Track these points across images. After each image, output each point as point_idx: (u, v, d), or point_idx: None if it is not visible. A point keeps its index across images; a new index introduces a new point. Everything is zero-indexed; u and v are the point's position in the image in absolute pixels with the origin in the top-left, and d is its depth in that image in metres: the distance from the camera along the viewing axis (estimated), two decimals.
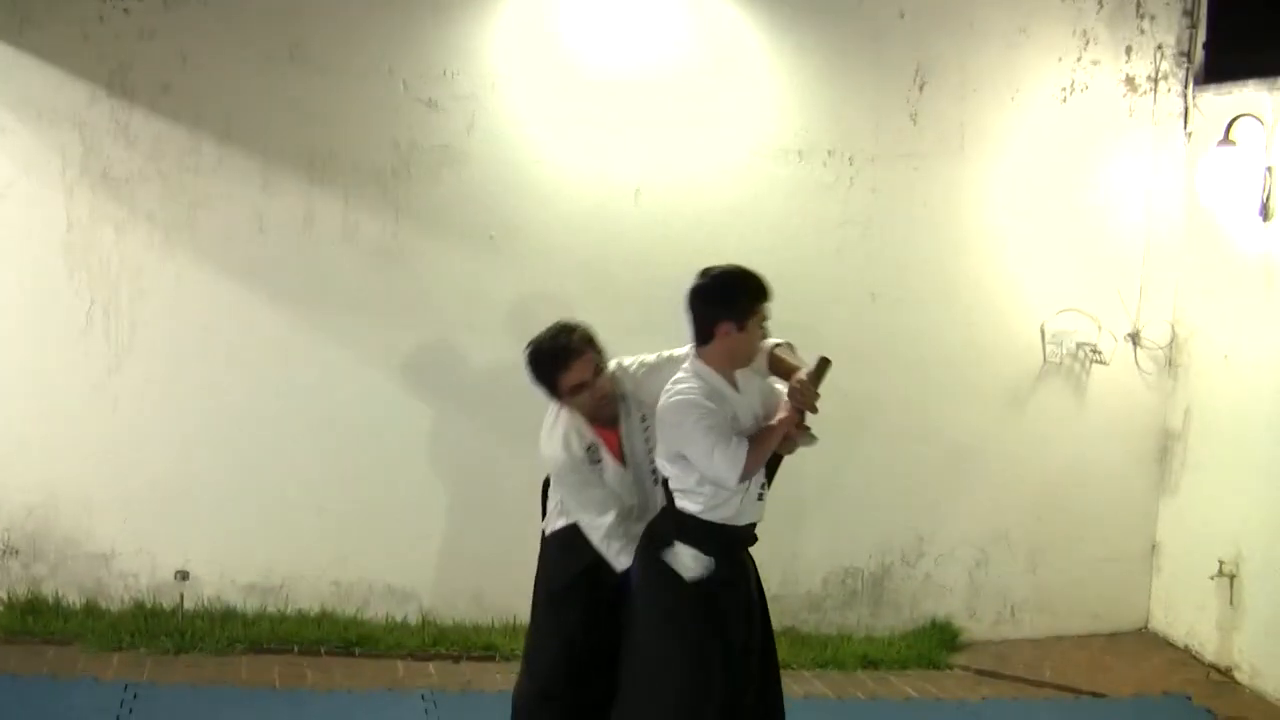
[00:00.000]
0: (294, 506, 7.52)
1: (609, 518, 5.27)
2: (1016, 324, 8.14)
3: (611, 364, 5.47)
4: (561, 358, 5.37)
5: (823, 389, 5.14)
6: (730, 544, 5.06)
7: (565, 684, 5.44)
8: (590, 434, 5.42)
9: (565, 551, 5.48)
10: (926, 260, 8.04)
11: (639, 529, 5.20)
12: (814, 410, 5.08)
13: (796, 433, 5.06)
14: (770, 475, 5.21)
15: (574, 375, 5.36)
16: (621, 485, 5.39)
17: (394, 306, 7.53)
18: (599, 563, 5.32)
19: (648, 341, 7.65)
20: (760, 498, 5.12)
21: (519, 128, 7.56)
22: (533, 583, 5.72)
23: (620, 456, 5.41)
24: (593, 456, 5.39)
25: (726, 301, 5.11)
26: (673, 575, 4.97)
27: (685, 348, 5.35)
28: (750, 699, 5.04)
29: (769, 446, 4.98)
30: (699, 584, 4.95)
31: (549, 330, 5.48)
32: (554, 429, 5.45)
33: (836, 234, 7.88)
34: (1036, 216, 8.13)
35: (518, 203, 7.60)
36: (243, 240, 7.35)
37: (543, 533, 5.68)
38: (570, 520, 5.46)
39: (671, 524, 5.01)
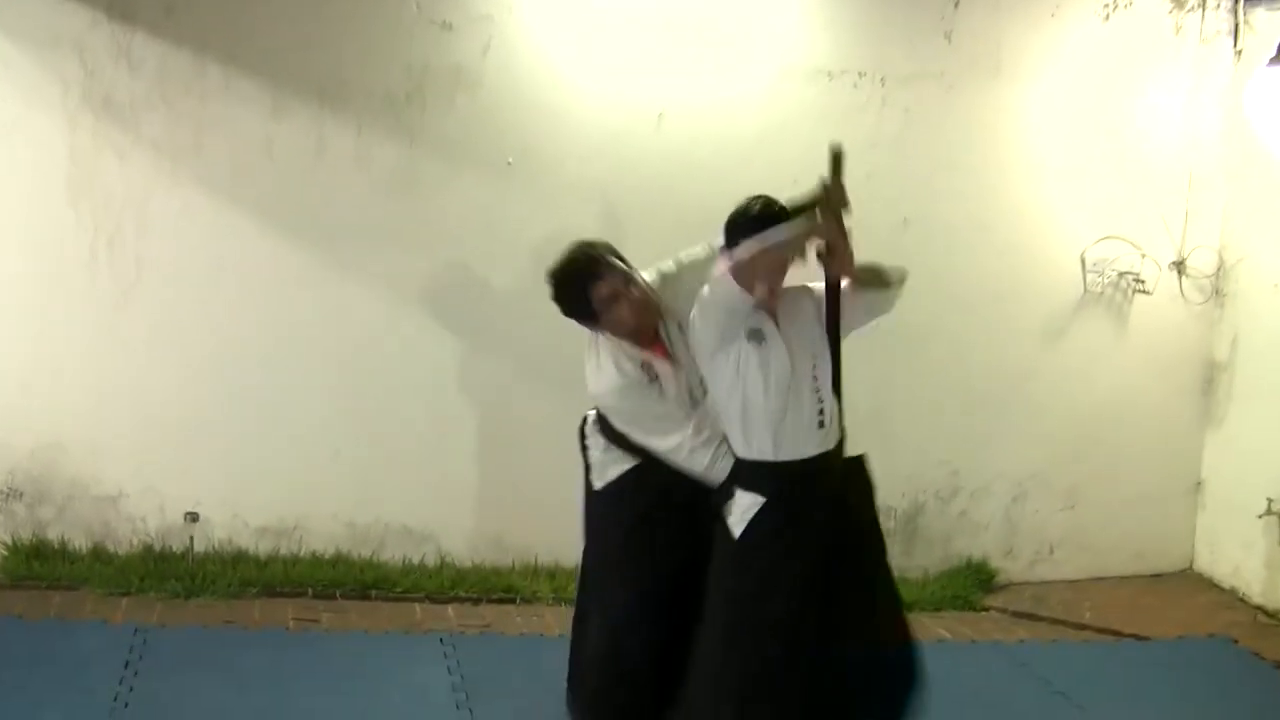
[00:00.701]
0: (307, 445, 7.57)
1: (686, 431, 5.06)
2: (1055, 252, 8.15)
3: None
4: (588, 269, 5.22)
5: None
6: (788, 485, 4.82)
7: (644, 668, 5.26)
8: (637, 352, 5.27)
9: (616, 504, 5.38)
10: (961, 185, 8.04)
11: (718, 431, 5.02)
12: (846, 206, 5.07)
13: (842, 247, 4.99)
14: (837, 390, 5.04)
15: (605, 285, 5.21)
16: (680, 400, 5.20)
17: (409, 236, 7.55)
18: (654, 507, 5.23)
19: None
20: (821, 424, 4.90)
21: (536, 50, 7.56)
22: (582, 541, 5.68)
23: (673, 367, 5.25)
24: (649, 373, 5.22)
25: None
26: (724, 534, 4.80)
27: (699, 248, 5.34)
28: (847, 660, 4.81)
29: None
30: (754, 544, 4.76)
31: (567, 251, 5.37)
32: (599, 358, 5.31)
33: (867, 158, 7.82)
34: (1077, 139, 8.12)
35: (536, 128, 7.60)
36: (251, 169, 7.35)
37: (589, 488, 5.55)
38: (626, 466, 5.35)
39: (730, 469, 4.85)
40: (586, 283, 5.22)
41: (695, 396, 5.19)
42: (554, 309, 7.59)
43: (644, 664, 5.21)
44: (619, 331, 5.26)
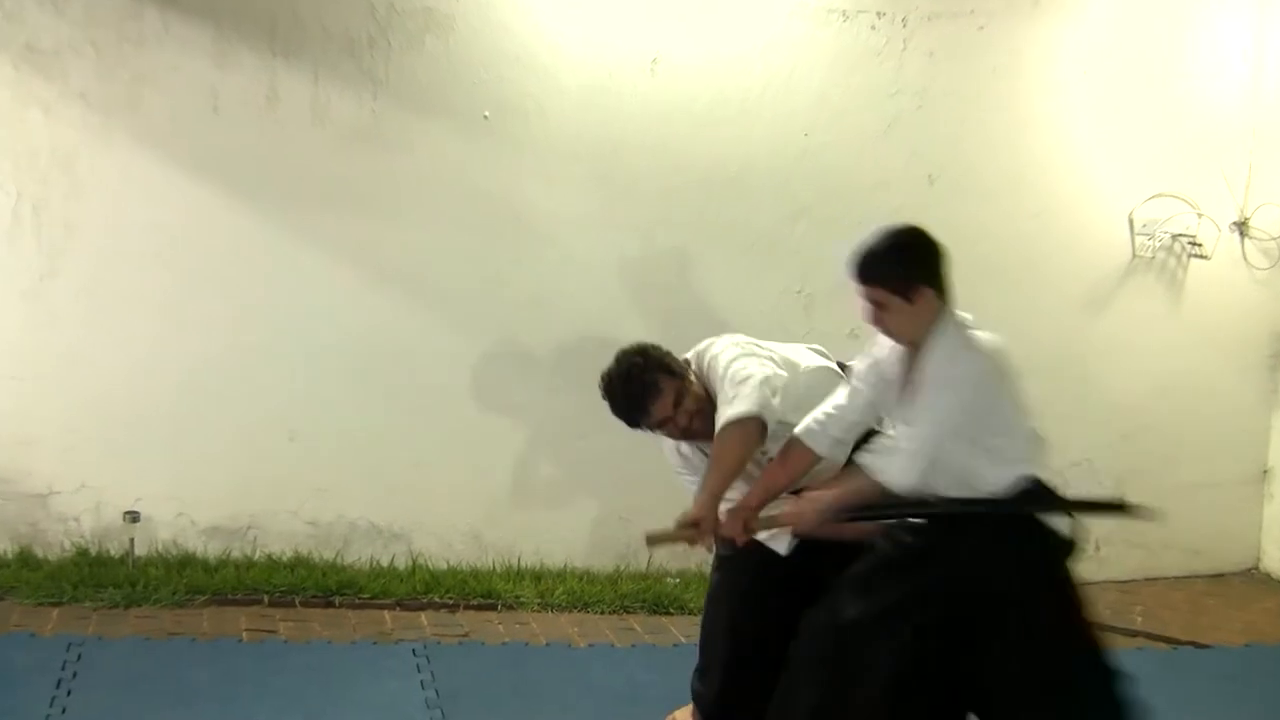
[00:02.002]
0: (262, 435, 7.53)
1: None
2: (1099, 212, 8.11)
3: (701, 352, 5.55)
4: (637, 403, 5.44)
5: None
6: None
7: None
8: (690, 449, 5.59)
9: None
10: (992, 137, 8.02)
11: None
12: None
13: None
14: None
15: (656, 415, 5.44)
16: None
17: (373, 199, 7.51)
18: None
19: (666, 238, 7.70)
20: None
21: None
22: None
23: None
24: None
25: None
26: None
27: (799, 352, 5.61)
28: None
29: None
30: None
31: (617, 364, 5.50)
32: (661, 440, 5.67)
33: (887, 107, 7.84)
34: (1123, 84, 8.09)
35: (514, 76, 7.56)
36: (194, 123, 7.30)
37: None
38: None
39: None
40: (636, 417, 5.48)
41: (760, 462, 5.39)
42: (541, 286, 7.60)
43: None
44: (674, 437, 5.56)
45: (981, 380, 4.65)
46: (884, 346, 4.86)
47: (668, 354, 5.47)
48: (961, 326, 4.71)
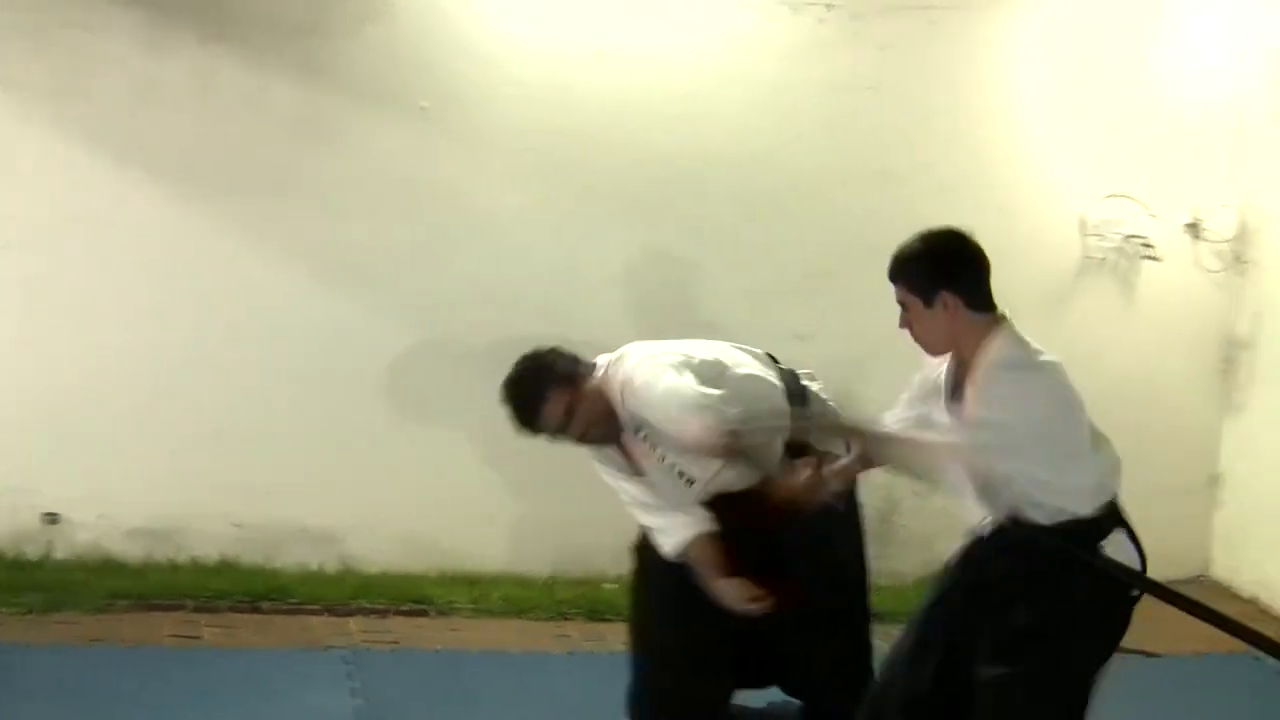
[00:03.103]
0: (187, 434, 7.45)
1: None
2: (1051, 212, 8.11)
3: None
4: (525, 414, 5.59)
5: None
6: None
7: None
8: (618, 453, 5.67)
9: None
10: (945, 135, 7.99)
11: None
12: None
13: None
14: None
15: (548, 424, 5.58)
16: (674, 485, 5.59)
17: (309, 191, 7.45)
18: None
19: (612, 234, 7.66)
20: None
21: None
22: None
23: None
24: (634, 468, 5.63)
25: None
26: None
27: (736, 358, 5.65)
28: None
29: None
30: None
31: (512, 371, 5.65)
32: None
33: (838, 102, 7.81)
34: (1077, 82, 8.09)
35: (456, 67, 7.52)
36: (128, 112, 7.23)
37: None
38: None
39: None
40: (529, 427, 5.63)
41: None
42: (483, 282, 7.57)
43: None
44: (573, 443, 5.69)
45: (1031, 399, 4.57)
46: (933, 361, 4.86)
47: (567, 360, 5.53)
48: (1013, 342, 4.64)
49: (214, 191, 7.35)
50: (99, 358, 7.34)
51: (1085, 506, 4.66)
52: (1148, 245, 8.17)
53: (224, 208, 7.37)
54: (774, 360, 5.85)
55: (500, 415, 7.53)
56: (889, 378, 7.91)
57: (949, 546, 8.09)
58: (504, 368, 7.41)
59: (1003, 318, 4.68)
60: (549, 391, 5.45)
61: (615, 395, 5.42)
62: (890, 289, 7.55)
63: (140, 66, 7.22)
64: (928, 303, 4.69)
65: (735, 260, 7.87)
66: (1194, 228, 8.22)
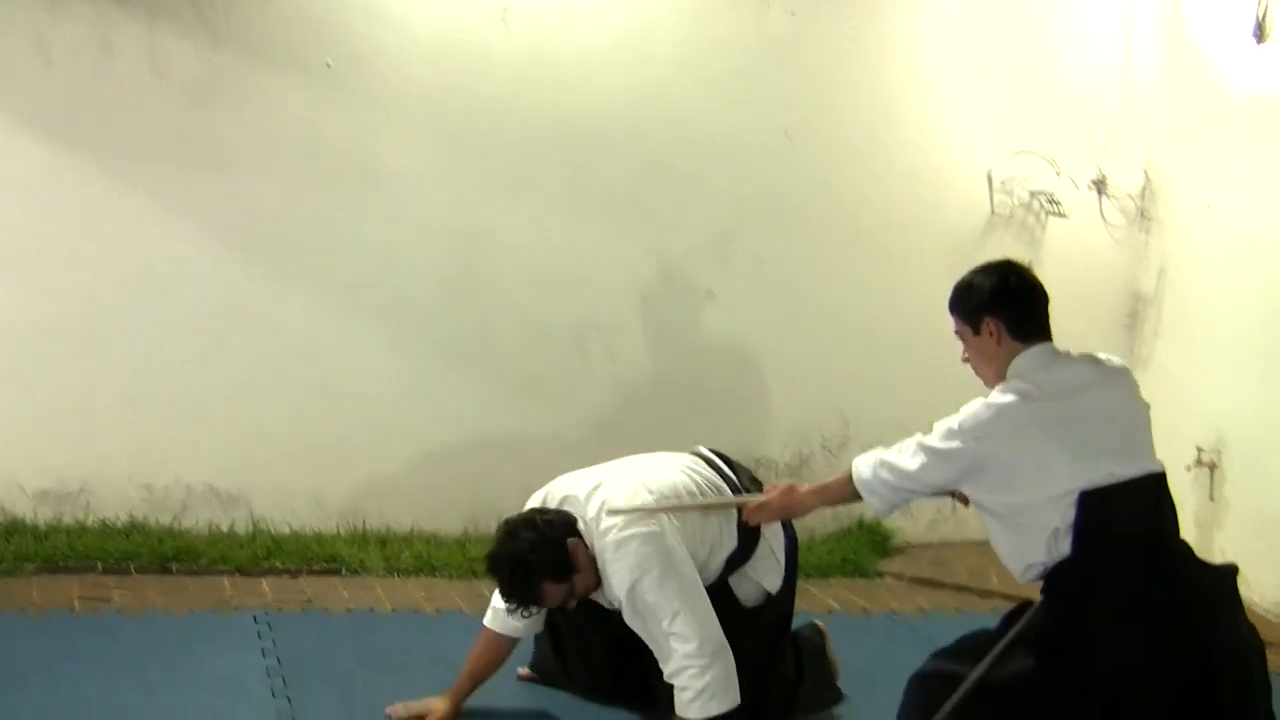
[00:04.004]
0: (94, 394, 7.41)
1: None
2: (959, 169, 8.18)
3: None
4: (523, 605, 5.52)
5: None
6: None
7: None
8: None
9: None
10: (853, 94, 8.07)
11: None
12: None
13: None
14: None
15: (545, 607, 5.62)
16: None
17: (214, 154, 7.40)
18: None
19: (520, 195, 7.68)
20: None
21: None
22: None
23: None
24: None
25: None
26: None
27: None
28: None
29: None
30: None
31: (502, 560, 5.51)
32: None
33: (745, 63, 7.86)
34: (985, 41, 8.17)
35: (361, 26, 7.49)
36: (23, 75, 7.15)
37: None
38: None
39: None
40: (528, 609, 5.57)
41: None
42: (387, 244, 7.57)
43: None
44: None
45: (984, 432, 4.56)
46: None
47: (551, 547, 5.43)
48: (1019, 378, 4.63)
49: (116, 155, 7.29)
50: (3, 322, 7.28)
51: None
52: (1054, 202, 8.27)
53: (127, 172, 7.31)
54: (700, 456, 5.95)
55: (407, 375, 7.63)
56: (795, 337, 8.09)
57: (855, 505, 8.28)
58: (411, 329, 7.52)
59: (1044, 346, 4.72)
60: (540, 586, 5.43)
61: (597, 561, 5.50)
62: (795, 247, 7.70)
63: (37, 28, 7.14)
64: (975, 329, 4.73)
65: (641, 220, 7.91)
66: (1099, 185, 8.32)
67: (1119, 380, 4.75)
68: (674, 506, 5.49)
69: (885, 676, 5.24)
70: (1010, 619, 4.66)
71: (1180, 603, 4.43)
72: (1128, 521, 4.48)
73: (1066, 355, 4.73)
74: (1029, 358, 4.65)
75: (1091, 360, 4.76)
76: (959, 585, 7.82)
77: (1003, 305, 4.71)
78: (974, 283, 4.80)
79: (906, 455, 4.70)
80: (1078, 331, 8.29)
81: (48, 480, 7.43)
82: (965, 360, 4.82)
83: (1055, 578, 4.52)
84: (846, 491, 4.94)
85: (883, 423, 7.94)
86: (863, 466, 4.83)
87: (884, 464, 4.76)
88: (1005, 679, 4.47)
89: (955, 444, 4.57)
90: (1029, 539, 4.54)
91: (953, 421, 4.59)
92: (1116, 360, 4.86)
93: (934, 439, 4.63)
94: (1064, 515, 4.46)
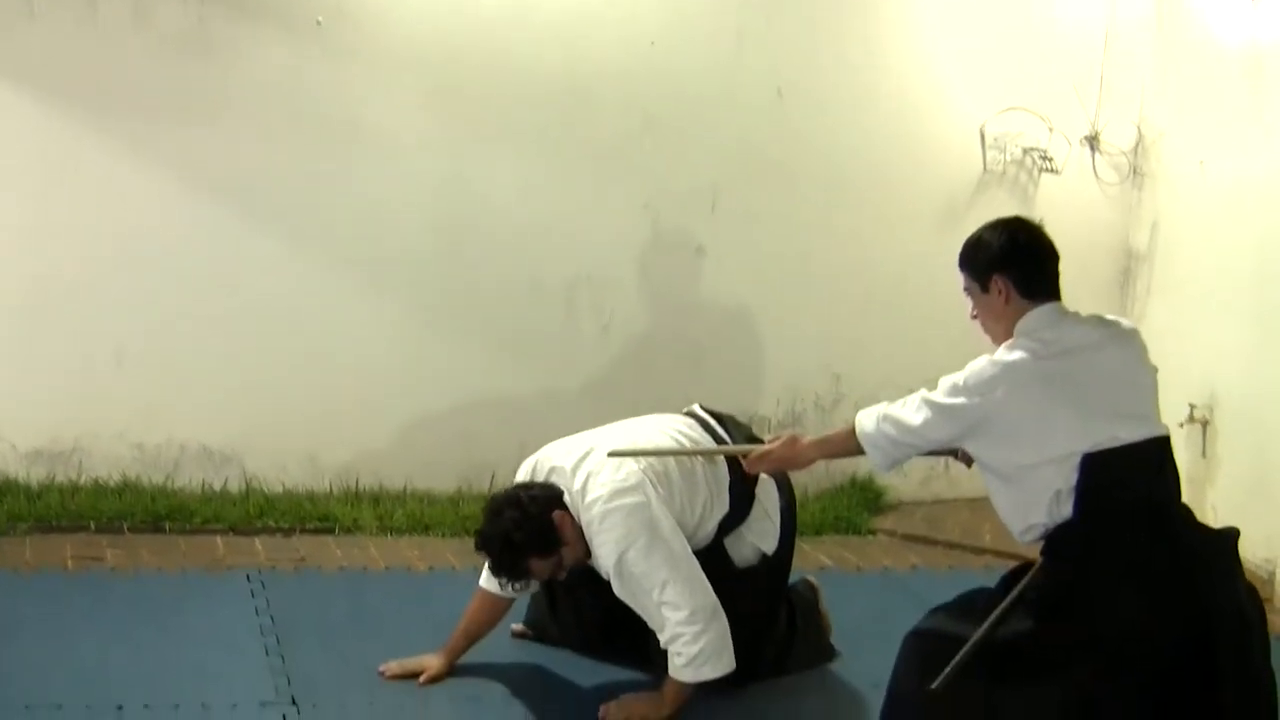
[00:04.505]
0: (86, 354, 7.41)
1: None
2: (950, 126, 8.19)
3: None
4: (512, 580, 5.54)
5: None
6: None
7: None
8: None
9: None
10: (845, 51, 8.06)
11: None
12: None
13: None
14: None
15: (534, 580, 5.64)
16: None
17: (200, 109, 7.37)
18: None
19: (506, 151, 7.68)
20: None
21: None
22: None
23: None
24: None
25: None
26: None
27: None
28: None
29: None
30: None
31: (491, 538, 5.47)
32: None
33: (735, 16, 7.85)
34: None
35: None
36: (6, 26, 7.11)
37: None
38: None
39: None
40: (515, 584, 5.59)
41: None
42: (376, 199, 7.56)
43: None
44: None
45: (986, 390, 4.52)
46: None
47: (536, 524, 5.43)
48: (1026, 336, 4.58)
49: (103, 110, 7.27)
50: None
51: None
52: (1047, 158, 8.28)
53: (114, 127, 7.28)
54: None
55: (398, 333, 7.63)
56: (788, 293, 8.10)
57: (851, 460, 8.29)
58: (400, 286, 7.52)
59: (1052, 305, 4.66)
60: (528, 562, 5.44)
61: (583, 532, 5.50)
62: (787, 204, 7.69)
63: None
64: (984, 287, 4.68)
65: (631, 175, 7.91)
66: (1092, 141, 8.33)
67: (1128, 342, 4.69)
68: (679, 451, 5.53)
69: (878, 633, 5.28)
70: (1010, 580, 4.65)
71: (1181, 567, 4.39)
72: (1130, 485, 4.46)
73: (1075, 315, 4.68)
74: (1037, 316, 4.61)
75: (1101, 321, 4.71)
76: (951, 543, 7.85)
77: (1012, 264, 4.66)
78: (984, 240, 4.75)
79: (910, 410, 4.66)
80: (1070, 288, 8.33)
81: (40, 440, 7.44)
82: (974, 317, 4.78)
83: (1056, 540, 4.51)
84: (849, 444, 4.89)
85: (875, 379, 8.03)
86: (866, 420, 4.79)
87: (887, 418, 4.72)
88: (1005, 639, 4.46)
89: (960, 400, 4.53)
90: (1030, 499, 4.52)
91: (958, 377, 4.55)
92: (1126, 323, 4.80)
93: (939, 394, 4.60)
94: (1066, 477, 4.43)
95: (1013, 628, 4.48)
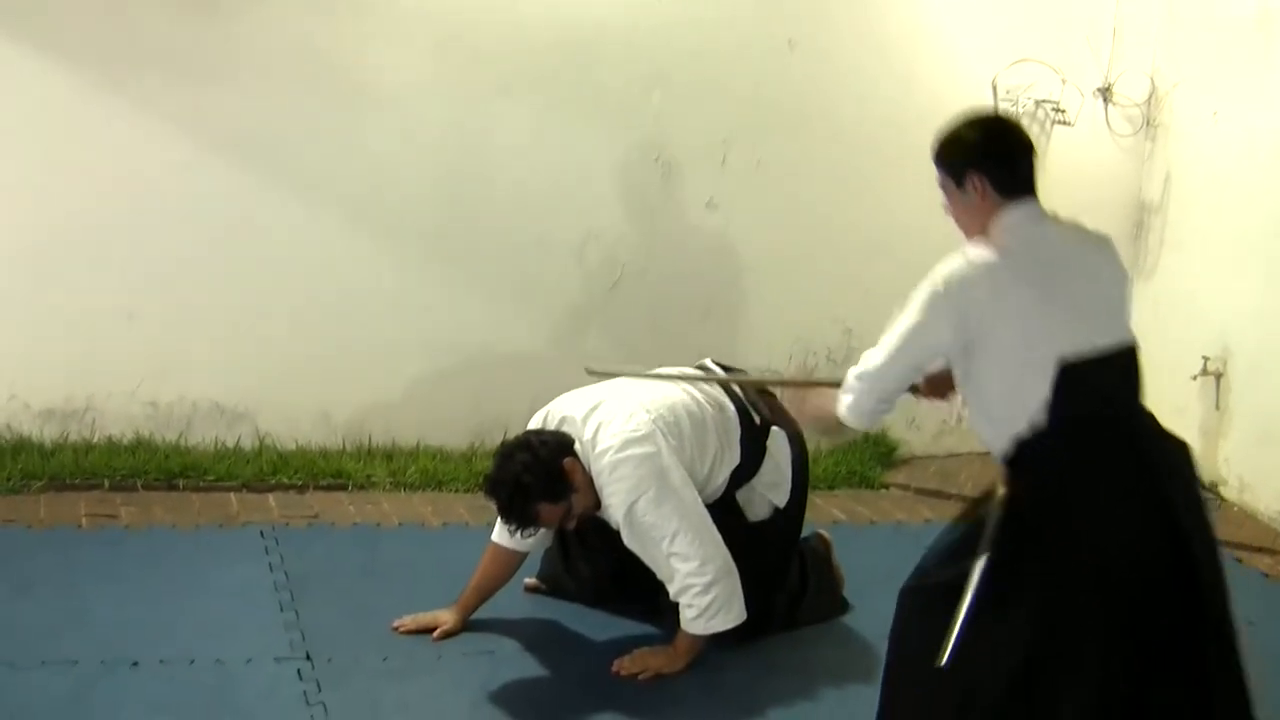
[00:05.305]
0: (98, 311, 7.42)
1: None
2: (962, 78, 8.14)
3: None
4: (520, 526, 5.54)
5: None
6: None
7: None
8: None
9: None
10: (856, 2, 8.06)
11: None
12: None
13: None
14: None
15: (542, 526, 5.64)
16: None
17: (212, 66, 7.36)
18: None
19: (514, 106, 7.68)
20: None
21: None
22: None
23: None
24: None
25: None
26: None
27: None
28: None
29: None
30: None
31: (499, 484, 5.50)
32: None
33: None
34: None
35: None
36: None
37: None
38: None
39: None
40: (525, 531, 5.61)
41: None
42: (385, 155, 7.55)
43: None
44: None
45: (932, 299, 4.40)
46: None
47: (546, 468, 5.46)
48: (1008, 233, 4.43)
49: (113, 68, 7.26)
50: (3, 239, 7.27)
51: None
52: (1059, 110, 8.26)
53: (125, 86, 7.28)
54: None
55: (409, 288, 7.65)
56: (798, 246, 8.10)
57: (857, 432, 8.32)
58: (410, 241, 7.55)
59: (1022, 202, 4.50)
60: (537, 507, 5.45)
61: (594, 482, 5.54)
62: (797, 156, 7.68)
63: None
64: (959, 184, 4.55)
65: (641, 129, 7.91)
66: (1105, 92, 8.31)
67: (1103, 247, 4.57)
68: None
69: (890, 586, 5.26)
70: (972, 513, 4.58)
71: (1151, 475, 4.32)
72: (1102, 395, 4.37)
73: (1054, 216, 4.55)
74: (1014, 214, 4.47)
75: (1077, 225, 4.60)
76: (964, 496, 7.83)
77: (990, 161, 4.54)
78: (960, 136, 4.64)
79: (883, 343, 4.57)
80: None
81: (53, 398, 7.47)
82: (948, 213, 4.66)
83: (1030, 453, 4.34)
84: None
85: (883, 330, 7.98)
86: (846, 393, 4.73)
87: (862, 375, 4.67)
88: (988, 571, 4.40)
89: (940, 303, 4.38)
90: (1014, 412, 4.35)
91: (930, 283, 4.41)
92: (1099, 231, 4.65)
93: (915, 304, 4.45)
94: (1045, 385, 4.30)
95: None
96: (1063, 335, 4.30)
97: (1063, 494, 4.31)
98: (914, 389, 4.81)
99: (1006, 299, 4.33)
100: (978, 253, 4.39)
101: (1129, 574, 4.26)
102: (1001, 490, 4.37)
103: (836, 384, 4.89)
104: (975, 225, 4.54)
